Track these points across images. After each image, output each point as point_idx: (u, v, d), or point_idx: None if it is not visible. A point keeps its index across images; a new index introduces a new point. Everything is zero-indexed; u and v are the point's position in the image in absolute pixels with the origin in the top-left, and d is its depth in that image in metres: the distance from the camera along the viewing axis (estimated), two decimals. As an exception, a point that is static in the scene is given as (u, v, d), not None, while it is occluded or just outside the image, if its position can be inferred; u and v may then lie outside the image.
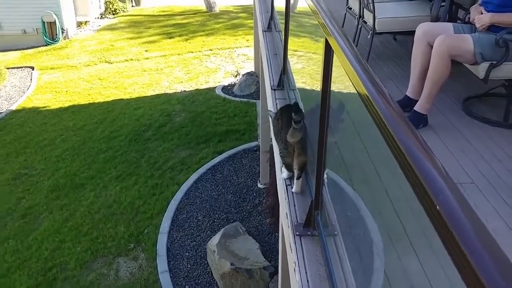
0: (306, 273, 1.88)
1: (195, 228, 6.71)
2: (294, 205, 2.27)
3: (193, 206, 7.13)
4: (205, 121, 9.35)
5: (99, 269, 6.15)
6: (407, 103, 3.25)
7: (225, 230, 6.28)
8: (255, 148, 8.37)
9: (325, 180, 2.32)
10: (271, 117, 2.69)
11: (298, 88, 3.62)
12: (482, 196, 2.38)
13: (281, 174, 2.57)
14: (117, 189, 7.58)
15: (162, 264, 6.13)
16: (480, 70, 2.92)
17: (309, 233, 2.07)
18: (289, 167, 2.48)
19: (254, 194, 7.37)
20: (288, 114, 2.31)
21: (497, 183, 2.47)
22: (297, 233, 2.08)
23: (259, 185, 7.49)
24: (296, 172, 2.39)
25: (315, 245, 2.03)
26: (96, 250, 6.46)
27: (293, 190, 2.41)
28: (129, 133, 9.24)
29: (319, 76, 1.92)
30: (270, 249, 6.14)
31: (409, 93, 3.28)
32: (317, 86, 2.00)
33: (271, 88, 3.73)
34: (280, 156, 2.52)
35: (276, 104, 3.54)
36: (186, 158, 8.21)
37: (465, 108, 3.31)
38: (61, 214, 7.23)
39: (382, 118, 1.04)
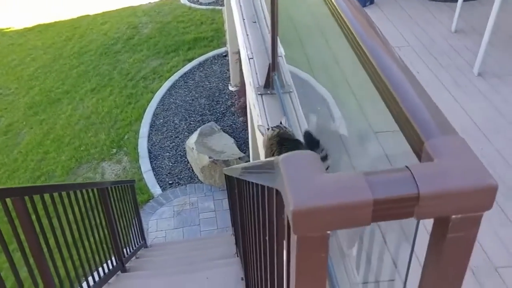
0: (266, 119, 2.28)
1: (173, 131, 7.10)
2: (256, 73, 2.63)
3: (169, 111, 7.47)
4: (173, 31, 9.46)
5: (85, 174, 6.56)
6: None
7: (201, 129, 6.69)
8: (224, 54, 8.59)
9: (282, 53, 2.67)
10: (262, 134, 1.98)
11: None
12: (416, 55, 2.77)
13: None
14: (93, 101, 7.84)
15: (145, 164, 6.57)
16: None
17: (268, 91, 2.45)
18: None
19: (226, 96, 7.72)
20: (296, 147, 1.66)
21: (429, 44, 2.86)
22: (259, 92, 2.46)
23: (230, 88, 7.82)
24: None
25: (274, 100, 2.42)
26: (80, 157, 6.84)
27: None
28: (98, 48, 9.33)
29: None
30: (244, 143, 6.59)
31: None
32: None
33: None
34: None
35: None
36: (157, 68, 8.42)
37: (409, -13, 3.63)
38: (41, 128, 7.51)
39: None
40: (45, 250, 2.49)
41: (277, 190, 0.88)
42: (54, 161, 6.83)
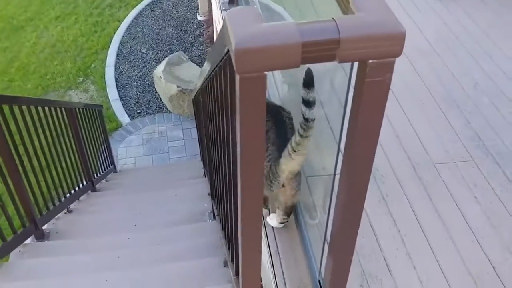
0: (230, 33, 2.34)
1: (140, 60, 7.06)
2: (221, -10, 2.67)
3: (136, 40, 7.38)
4: (139, -43, 9.14)
5: (53, 102, 6.52)
6: None
7: (169, 58, 6.65)
8: (192, -18, 8.41)
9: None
10: None
11: None
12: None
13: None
14: (58, 29, 7.66)
15: (112, 93, 6.56)
16: None
17: (233, 7, 2.50)
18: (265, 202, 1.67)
19: (195, 26, 7.65)
20: (279, 115, 1.50)
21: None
22: (223, 8, 2.51)
23: (199, 18, 7.73)
24: (280, 216, 1.65)
25: (238, 16, 2.47)
26: (46, 85, 6.78)
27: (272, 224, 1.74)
28: (61, -26, 8.98)
29: None
30: (212, 72, 6.61)
31: None
32: None
33: None
34: None
35: None
36: (123, -4, 8.22)
37: None
38: (5, 56, 7.34)
39: None
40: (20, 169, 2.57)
41: (228, 55, 0.98)
42: (20, 89, 6.74)
